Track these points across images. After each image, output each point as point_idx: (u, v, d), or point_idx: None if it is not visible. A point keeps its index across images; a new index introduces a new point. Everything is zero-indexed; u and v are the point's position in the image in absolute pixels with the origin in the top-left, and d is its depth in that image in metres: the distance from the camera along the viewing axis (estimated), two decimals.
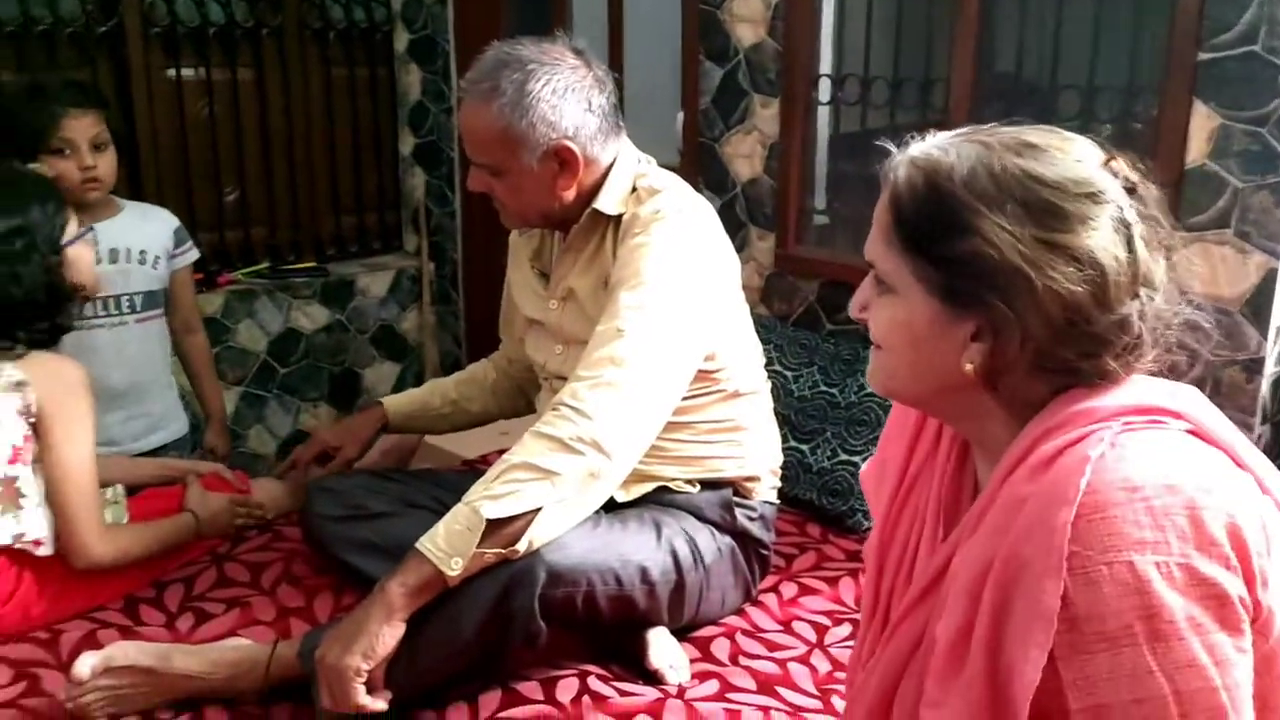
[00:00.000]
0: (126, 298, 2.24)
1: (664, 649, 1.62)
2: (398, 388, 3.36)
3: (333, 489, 1.85)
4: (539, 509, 1.42)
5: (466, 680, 1.52)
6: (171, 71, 2.89)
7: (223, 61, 2.97)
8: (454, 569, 1.39)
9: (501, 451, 2.43)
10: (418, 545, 1.40)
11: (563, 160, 1.61)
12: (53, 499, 1.66)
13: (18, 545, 1.64)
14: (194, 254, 2.40)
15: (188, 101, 2.92)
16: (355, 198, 3.31)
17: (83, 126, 2.10)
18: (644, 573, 1.57)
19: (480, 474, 1.50)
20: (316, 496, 1.84)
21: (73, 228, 1.76)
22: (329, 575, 1.85)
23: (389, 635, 1.38)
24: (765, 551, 1.81)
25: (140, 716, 1.51)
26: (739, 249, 2.06)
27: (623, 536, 1.57)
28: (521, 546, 1.42)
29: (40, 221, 1.69)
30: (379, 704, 1.40)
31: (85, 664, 1.49)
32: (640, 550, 1.58)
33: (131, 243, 2.24)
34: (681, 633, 1.69)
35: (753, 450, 1.78)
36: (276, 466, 2.13)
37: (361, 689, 1.38)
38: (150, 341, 2.31)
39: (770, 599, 1.84)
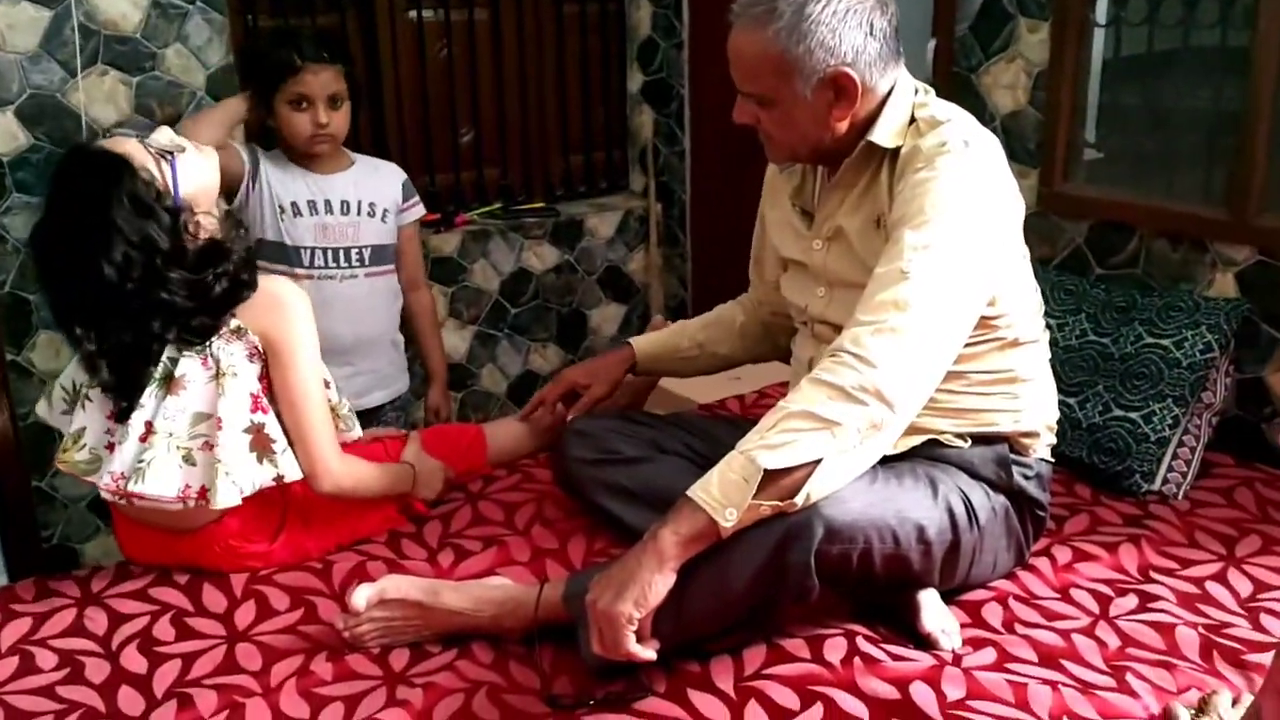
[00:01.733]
0: (356, 250, 2.26)
1: (936, 612, 1.53)
2: (623, 330, 3.34)
3: (585, 432, 1.83)
4: (818, 460, 1.34)
5: (731, 633, 1.47)
6: (413, 13, 2.92)
7: (461, 2, 2.98)
8: (728, 520, 1.33)
9: (737, 398, 2.40)
10: (690, 494, 1.35)
11: (839, 89, 1.51)
12: (288, 425, 1.66)
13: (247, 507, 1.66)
14: (420, 209, 2.40)
15: (428, 43, 2.95)
16: (584, 137, 3.29)
17: (321, 82, 2.12)
18: (920, 531, 1.48)
19: (724, 420, 1.44)
20: (570, 439, 1.83)
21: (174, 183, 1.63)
22: (581, 518, 1.84)
23: (660, 584, 1.34)
24: (1041, 513, 1.68)
25: (410, 648, 1.53)
26: None
27: (899, 492, 1.48)
28: (799, 499, 1.35)
29: (121, 204, 1.54)
30: (648, 653, 1.37)
31: (361, 595, 1.52)
32: (917, 507, 1.48)
33: (362, 195, 2.26)
34: (949, 595, 1.60)
35: (1030, 404, 1.64)
36: (516, 408, 2.12)
37: (632, 637, 1.35)
38: (378, 296, 2.32)
39: (1043, 563, 1.71)
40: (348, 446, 1.78)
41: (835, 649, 1.48)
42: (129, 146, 1.61)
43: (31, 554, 2.44)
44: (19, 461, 2.39)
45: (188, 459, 1.59)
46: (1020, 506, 1.64)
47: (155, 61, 2.42)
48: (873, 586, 1.50)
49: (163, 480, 1.57)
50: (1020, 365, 1.62)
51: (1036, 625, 1.55)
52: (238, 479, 1.59)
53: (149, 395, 1.59)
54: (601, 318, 3.32)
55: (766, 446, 1.34)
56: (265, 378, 1.65)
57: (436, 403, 2.50)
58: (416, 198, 2.39)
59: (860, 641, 1.49)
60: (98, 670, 1.47)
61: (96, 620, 1.57)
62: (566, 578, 1.57)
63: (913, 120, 1.56)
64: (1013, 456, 1.62)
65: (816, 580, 1.40)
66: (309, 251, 2.22)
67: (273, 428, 1.64)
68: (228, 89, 2.45)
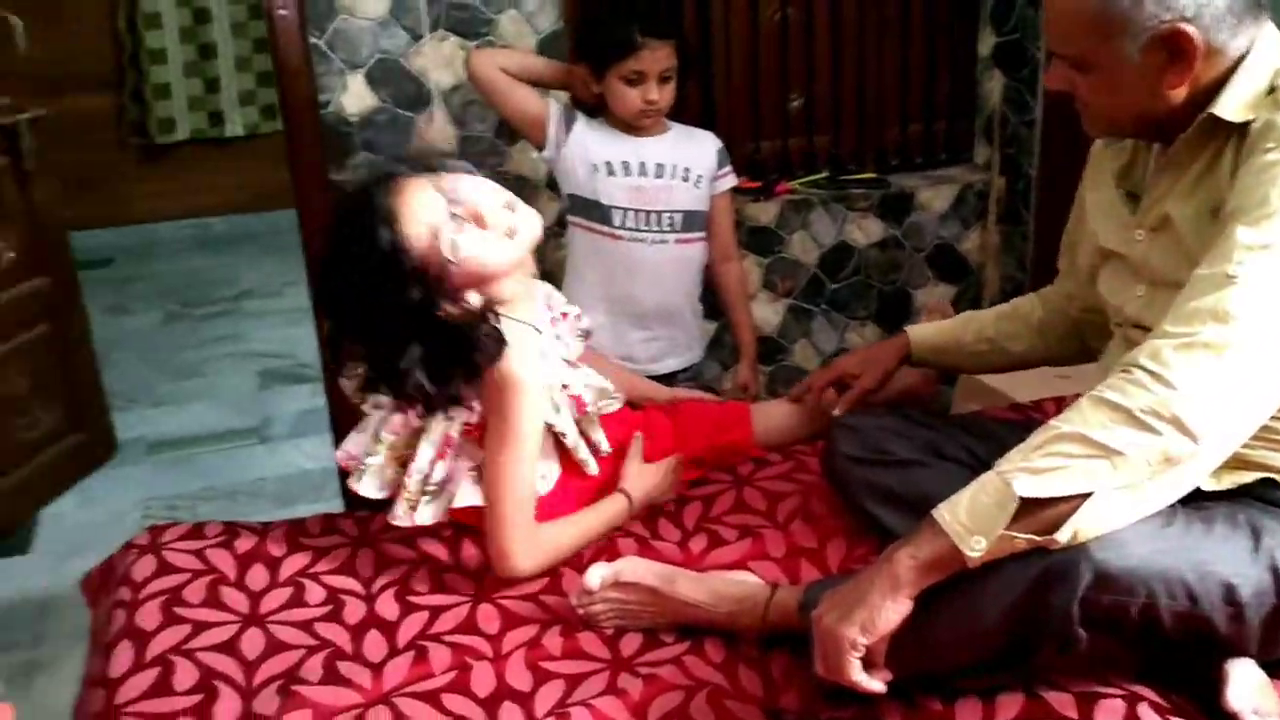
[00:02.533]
0: (668, 215, 2.23)
1: (1249, 687, 1.27)
2: (954, 311, 3.10)
3: (856, 427, 1.69)
4: (1089, 494, 1.13)
5: (983, 673, 1.30)
6: None
7: None
8: (975, 549, 1.16)
9: (1056, 400, 2.13)
10: (934, 514, 1.19)
11: (1175, 49, 1.26)
12: (484, 495, 1.59)
13: None
14: (733, 179, 2.35)
15: (761, 6, 2.86)
16: (925, 105, 3.06)
17: (657, 59, 2.11)
18: (1229, 590, 1.22)
19: (1029, 426, 1.25)
20: (839, 434, 1.70)
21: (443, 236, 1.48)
22: (845, 518, 1.70)
23: (891, 611, 1.20)
24: None
25: (643, 634, 1.49)
26: None
27: (1204, 540, 1.23)
28: (1062, 536, 1.15)
29: (377, 265, 1.45)
30: (874, 684, 1.23)
31: (596, 575, 1.49)
32: (1228, 561, 1.22)
33: (677, 159, 2.23)
34: (1273, 667, 1.32)
35: None
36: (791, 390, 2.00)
37: (857, 664, 1.22)
38: (685, 264, 2.29)
39: None
40: (569, 477, 1.71)
41: (1110, 713, 1.26)
42: (420, 199, 1.48)
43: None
44: None
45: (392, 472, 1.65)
46: None
47: (490, 26, 2.51)
48: (1164, 646, 1.27)
49: (369, 487, 1.65)
50: None
51: None
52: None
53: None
54: (927, 298, 3.10)
55: (1028, 470, 1.15)
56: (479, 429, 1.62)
57: (745, 378, 2.44)
58: (730, 168, 2.34)
59: (1143, 709, 1.26)
60: (354, 611, 1.55)
61: (364, 562, 1.66)
62: (805, 584, 1.46)
63: (1272, 89, 1.27)
64: None
65: (1082, 631, 1.19)
66: (621, 212, 2.22)
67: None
68: (556, 56, 2.50)
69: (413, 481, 1.60)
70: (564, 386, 1.65)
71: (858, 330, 3.07)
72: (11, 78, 2.89)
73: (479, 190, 1.53)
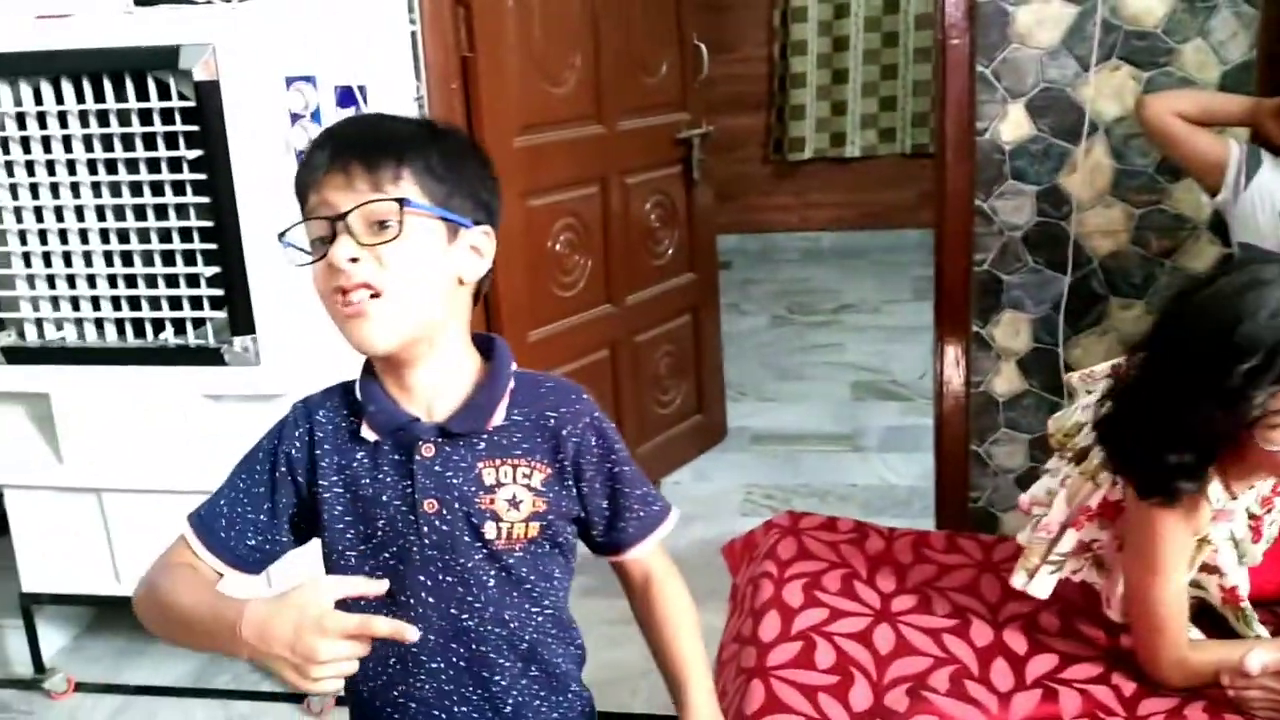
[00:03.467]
0: None
1: None
2: None
3: None
4: None
5: None
6: None
7: None
8: None
9: None
10: None
11: None
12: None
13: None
14: None
15: None
16: None
17: None
18: None
19: None
20: None
21: None
22: None
23: None
24: None
25: None
26: None
27: None
28: None
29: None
30: None
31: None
32: None
33: None
34: None
35: None
36: None
37: None
38: None
39: None
40: None
41: None
42: None
43: (959, 510, 2.67)
44: (965, 424, 2.62)
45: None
46: None
47: (1170, 57, 2.37)
48: None
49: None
50: None
51: None
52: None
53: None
54: None
55: None
56: None
57: None
58: None
59: None
60: (981, 634, 1.56)
61: (989, 586, 1.66)
62: None
63: None
64: None
65: None
66: None
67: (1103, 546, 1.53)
68: (1240, 89, 2.30)
69: (1037, 540, 1.54)
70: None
71: None
72: (693, 98, 3.30)
73: None
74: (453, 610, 1.08)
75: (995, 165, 2.50)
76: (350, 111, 2.21)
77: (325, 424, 1.11)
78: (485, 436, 1.08)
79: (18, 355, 2.23)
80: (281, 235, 1.06)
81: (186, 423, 2.19)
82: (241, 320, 2.09)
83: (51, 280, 2.20)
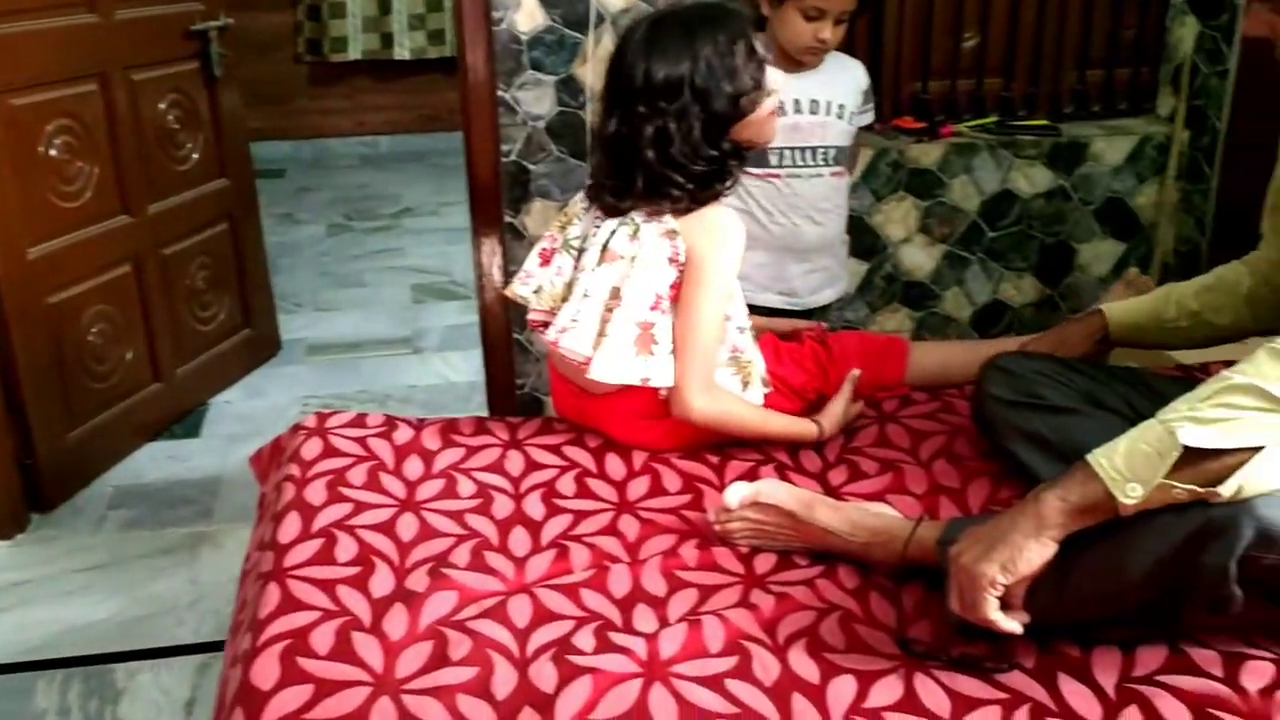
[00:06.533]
0: (823, 150, 2.22)
1: None
2: (1116, 271, 2.99)
3: (1010, 370, 1.66)
4: (1260, 448, 1.10)
5: (1124, 625, 1.28)
6: None
7: None
8: (1129, 496, 1.14)
9: (1229, 362, 2.04)
10: (1089, 458, 1.18)
11: None
12: (675, 341, 1.66)
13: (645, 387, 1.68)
14: (872, 115, 2.36)
15: None
16: (1108, 49, 2.92)
17: (841, 1, 2.05)
18: None
19: (1179, 381, 1.22)
20: (992, 376, 1.67)
21: (770, 100, 1.69)
22: (991, 462, 1.69)
23: (1034, 553, 1.19)
24: None
25: (777, 555, 1.51)
26: None
27: None
28: (1226, 490, 1.12)
29: (712, 76, 1.60)
30: (1011, 624, 1.22)
31: (734, 494, 1.52)
32: None
33: (831, 95, 2.21)
34: None
35: None
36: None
37: (994, 602, 1.21)
38: (839, 195, 2.30)
39: None
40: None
41: (1257, 675, 1.23)
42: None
43: (508, 398, 2.75)
44: (506, 315, 2.69)
45: (599, 330, 1.67)
46: None
47: None
48: None
49: (581, 341, 1.66)
50: None
51: None
52: (613, 364, 1.65)
53: (591, 259, 1.69)
54: (1093, 254, 2.99)
55: (1194, 420, 1.12)
56: (676, 289, 1.67)
57: None
58: (871, 103, 2.35)
59: None
60: (503, 507, 1.62)
61: (513, 463, 1.73)
62: (946, 520, 1.45)
63: None
64: None
65: (1238, 590, 1.16)
66: (778, 153, 2.20)
67: (661, 332, 1.66)
68: None
69: (619, 332, 1.63)
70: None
71: (1013, 281, 2.98)
72: None
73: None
74: None
75: (514, 56, 2.53)
76: None
77: None
78: None
79: None
80: None
81: None
82: None
83: None
